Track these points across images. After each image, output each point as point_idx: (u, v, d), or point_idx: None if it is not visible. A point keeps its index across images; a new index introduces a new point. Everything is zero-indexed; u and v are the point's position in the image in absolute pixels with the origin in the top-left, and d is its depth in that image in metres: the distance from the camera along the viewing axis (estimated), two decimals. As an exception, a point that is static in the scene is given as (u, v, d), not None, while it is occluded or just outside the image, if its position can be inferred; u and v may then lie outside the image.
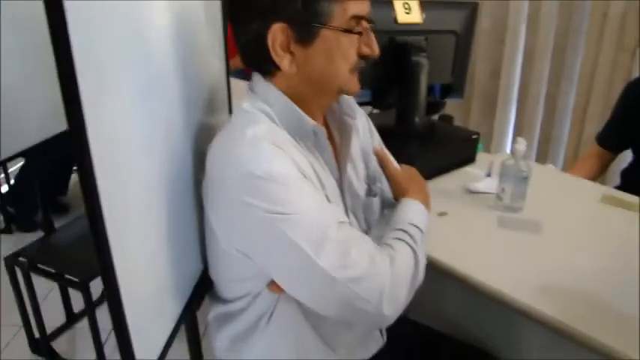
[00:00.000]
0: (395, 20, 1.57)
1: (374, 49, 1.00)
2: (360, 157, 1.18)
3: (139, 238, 0.87)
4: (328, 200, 0.98)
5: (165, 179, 0.95)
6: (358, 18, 0.96)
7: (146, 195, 0.89)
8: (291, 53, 0.96)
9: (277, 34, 0.94)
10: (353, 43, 0.98)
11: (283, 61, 0.96)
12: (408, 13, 1.58)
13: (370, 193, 1.18)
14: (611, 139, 2.04)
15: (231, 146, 0.92)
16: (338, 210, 1.00)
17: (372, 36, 1.00)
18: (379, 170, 1.22)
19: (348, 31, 0.95)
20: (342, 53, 0.97)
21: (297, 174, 0.90)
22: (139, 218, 0.87)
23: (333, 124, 1.13)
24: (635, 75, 2.49)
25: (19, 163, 3.25)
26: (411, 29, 1.61)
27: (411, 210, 1.09)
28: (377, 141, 1.27)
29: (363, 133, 1.22)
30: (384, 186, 1.22)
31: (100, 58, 0.73)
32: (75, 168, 3.30)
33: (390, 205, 1.19)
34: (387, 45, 1.58)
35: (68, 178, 3.41)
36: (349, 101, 1.12)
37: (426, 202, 1.13)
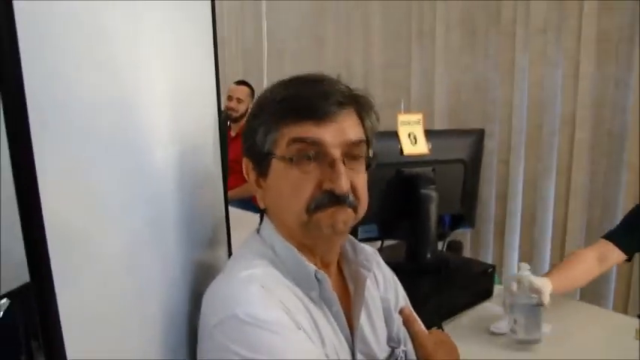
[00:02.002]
0: (401, 152, 1.52)
1: (338, 185, 0.83)
2: (379, 315, 1.03)
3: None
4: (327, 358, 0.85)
5: (160, 327, 0.85)
6: (301, 141, 0.83)
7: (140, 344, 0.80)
8: (261, 189, 0.91)
9: (248, 170, 0.91)
10: (307, 175, 0.84)
11: (257, 197, 0.91)
12: (413, 145, 1.53)
13: (392, 356, 1.02)
14: (624, 238, 1.85)
15: (222, 288, 0.84)
16: None
17: (339, 169, 0.83)
18: (404, 331, 1.05)
19: (289, 159, 0.84)
20: (292, 186, 0.85)
21: (288, 322, 0.79)
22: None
23: (350, 278, 1.01)
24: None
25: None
26: (417, 160, 1.55)
27: None
28: (402, 300, 1.11)
29: (386, 289, 1.08)
30: (408, 349, 1.05)
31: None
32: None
33: None
34: (394, 177, 1.52)
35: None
36: (367, 252, 1.00)
37: None
